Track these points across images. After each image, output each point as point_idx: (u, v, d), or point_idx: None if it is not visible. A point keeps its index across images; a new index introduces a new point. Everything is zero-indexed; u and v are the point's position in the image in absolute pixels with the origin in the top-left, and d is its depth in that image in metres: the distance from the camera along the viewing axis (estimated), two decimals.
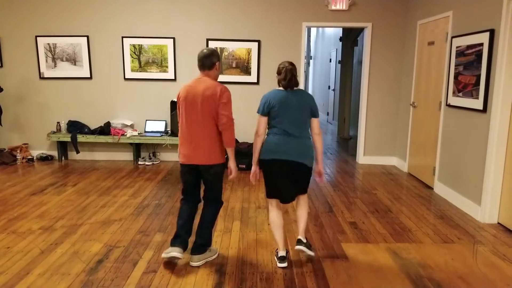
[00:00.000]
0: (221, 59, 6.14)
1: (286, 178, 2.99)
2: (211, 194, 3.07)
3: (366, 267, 2.99)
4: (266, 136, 3.04)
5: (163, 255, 2.94)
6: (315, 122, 3.04)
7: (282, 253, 3.00)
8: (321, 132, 3.10)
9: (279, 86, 3.02)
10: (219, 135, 2.95)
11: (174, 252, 2.92)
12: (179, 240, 3.01)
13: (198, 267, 2.95)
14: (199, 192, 3.14)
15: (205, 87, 2.88)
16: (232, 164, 3.03)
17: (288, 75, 2.94)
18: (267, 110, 2.98)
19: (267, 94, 3.01)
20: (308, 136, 3.04)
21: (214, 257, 3.10)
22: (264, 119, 3.01)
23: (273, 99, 2.96)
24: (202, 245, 3.02)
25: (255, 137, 3.03)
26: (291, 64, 2.99)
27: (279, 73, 3.00)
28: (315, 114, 3.03)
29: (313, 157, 3.05)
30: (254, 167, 3.08)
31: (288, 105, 2.94)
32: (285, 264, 2.98)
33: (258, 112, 3.03)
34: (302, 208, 3.13)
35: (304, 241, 3.07)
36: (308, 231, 3.63)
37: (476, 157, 4.09)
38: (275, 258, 3.07)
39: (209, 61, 2.94)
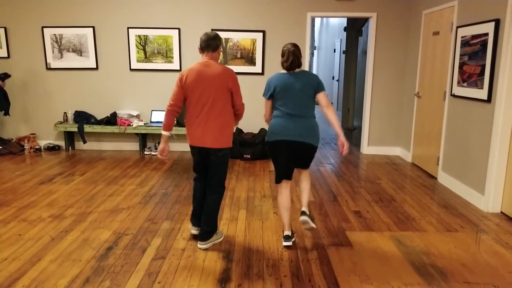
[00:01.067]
0: (226, 49, 6.16)
1: (290, 158, 3.10)
2: (216, 178, 3.12)
3: (370, 254, 3.04)
4: (273, 119, 3.11)
5: (193, 231, 3.27)
6: (321, 95, 3.03)
7: (287, 232, 3.14)
8: (329, 104, 3.04)
9: (283, 68, 3.08)
10: (229, 119, 3.04)
11: (193, 230, 3.28)
12: (197, 220, 3.24)
13: (206, 253, 3.01)
14: None
15: (216, 72, 2.94)
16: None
17: (290, 57, 2.99)
18: (270, 93, 3.05)
19: (270, 78, 3.09)
20: (313, 116, 3.09)
21: (220, 239, 3.22)
22: (269, 103, 3.11)
23: (276, 82, 3.03)
24: (209, 232, 3.11)
25: (265, 121, 3.22)
26: (294, 45, 3.01)
27: (282, 55, 3.05)
28: (318, 89, 3.03)
29: (318, 136, 3.11)
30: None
31: (291, 87, 2.99)
32: (289, 243, 3.10)
33: (263, 96, 3.13)
34: (304, 181, 3.27)
35: (308, 213, 3.15)
36: (313, 219, 3.67)
37: (480, 147, 4.12)
38: (282, 239, 3.20)
39: (214, 43, 3.00)
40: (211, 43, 2.98)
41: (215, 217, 3.16)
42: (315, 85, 3.02)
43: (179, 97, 3.00)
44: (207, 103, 2.95)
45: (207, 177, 3.16)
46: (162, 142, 3.12)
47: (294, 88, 2.99)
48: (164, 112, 6.24)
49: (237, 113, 3.15)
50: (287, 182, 3.19)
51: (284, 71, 3.06)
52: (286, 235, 3.13)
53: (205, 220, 3.11)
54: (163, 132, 3.08)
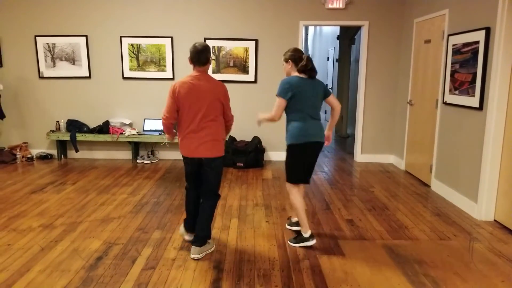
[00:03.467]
0: (219, 58, 6.17)
1: (313, 159, 3.24)
2: (210, 187, 3.17)
3: (362, 263, 3.02)
4: (292, 121, 3.17)
5: (187, 238, 3.34)
6: (332, 98, 3.28)
7: (309, 232, 3.26)
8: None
9: (300, 72, 3.14)
10: (221, 130, 3.13)
11: (187, 237, 3.35)
12: (191, 226, 3.31)
13: (197, 262, 2.98)
14: None
15: (210, 86, 3.03)
16: None
17: (310, 64, 3.12)
18: (291, 95, 3.09)
19: (289, 79, 3.12)
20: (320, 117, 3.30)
21: (212, 249, 3.21)
22: (284, 104, 3.14)
23: (298, 85, 3.10)
24: (204, 237, 3.13)
25: (271, 119, 3.16)
26: (303, 52, 3.23)
27: (299, 59, 3.16)
28: (327, 93, 3.26)
29: None
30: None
31: (311, 91, 3.14)
32: (315, 241, 3.27)
33: (280, 95, 3.12)
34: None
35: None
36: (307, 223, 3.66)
37: (472, 154, 4.13)
38: (298, 241, 3.27)
39: (204, 56, 3.03)
40: (200, 57, 3.01)
41: (210, 223, 3.19)
42: (325, 89, 3.24)
43: (173, 109, 3.05)
44: (199, 115, 3.01)
45: (202, 186, 3.20)
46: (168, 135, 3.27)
47: (312, 92, 3.15)
48: (157, 120, 6.26)
49: (228, 124, 3.24)
50: (302, 185, 3.35)
51: (301, 75, 3.15)
52: (311, 235, 3.25)
53: (201, 226, 3.14)
54: (167, 136, 3.25)
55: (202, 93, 3.00)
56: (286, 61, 3.25)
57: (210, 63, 3.14)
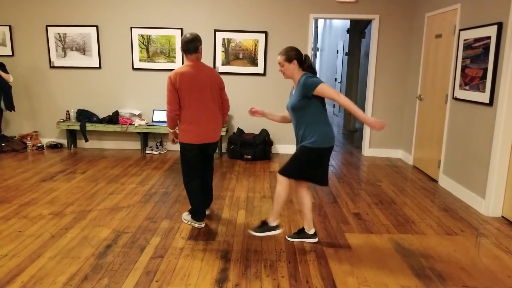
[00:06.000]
0: (228, 50, 6.17)
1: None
2: (211, 162, 3.62)
3: (369, 256, 3.04)
4: (319, 123, 2.99)
5: (200, 226, 3.46)
6: None
7: (313, 229, 3.28)
8: None
9: (305, 71, 3.05)
10: (220, 113, 3.44)
11: (201, 224, 3.48)
12: (203, 214, 3.50)
13: (204, 252, 3.02)
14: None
15: (208, 74, 3.29)
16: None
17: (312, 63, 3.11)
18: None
19: (319, 79, 2.97)
20: None
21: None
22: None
23: None
24: (212, 199, 3.77)
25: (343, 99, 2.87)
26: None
27: (305, 59, 3.05)
28: None
29: None
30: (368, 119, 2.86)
31: None
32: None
33: (322, 81, 2.94)
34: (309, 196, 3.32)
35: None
36: (312, 221, 3.68)
37: (481, 150, 4.11)
38: (303, 237, 3.28)
39: (193, 45, 3.19)
40: (189, 46, 3.18)
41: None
42: None
43: (176, 101, 3.23)
44: (203, 102, 3.26)
45: (203, 167, 3.53)
46: (171, 134, 3.46)
47: None
48: (164, 111, 6.28)
49: (225, 106, 3.50)
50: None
51: (311, 75, 3.01)
52: (315, 232, 3.28)
53: (211, 191, 3.70)
54: (169, 129, 3.42)
55: (203, 81, 3.23)
56: (290, 61, 2.99)
57: (200, 53, 3.28)
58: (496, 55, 3.86)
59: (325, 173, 3.13)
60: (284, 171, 3.07)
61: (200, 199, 3.48)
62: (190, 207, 3.55)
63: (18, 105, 6.39)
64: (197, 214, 3.47)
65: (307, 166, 3.06)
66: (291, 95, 3.17)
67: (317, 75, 3.07)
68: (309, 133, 2.99)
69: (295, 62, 3.00)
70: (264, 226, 3.18)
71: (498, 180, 3.87)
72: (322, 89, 2.89)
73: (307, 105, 2.97)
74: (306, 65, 3.05)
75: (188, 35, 3.19)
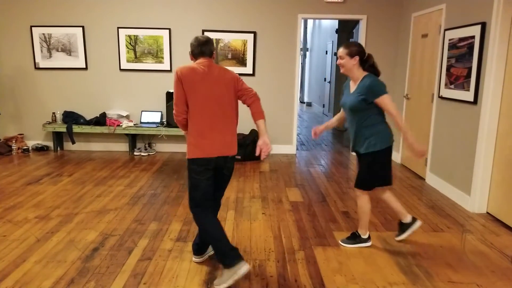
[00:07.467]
0: (217, 50, 6.16)
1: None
2: (222, 192, 2.83)
3: (357, 254, 3.06)
4: (378, 124, 2.98)
5: (244, 269, 2.46)
6: None
7: (367, 234, 3.23)
8: None
9: (366, 71, 2.98)
10: (236, 122, 2.72)
11: (245, 266, 2.48)
12: (237, 251, 2.54)
13: (192, 254, 3.00)
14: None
15: (221, 72, 2.63)
16: (266, 138, 2.64)
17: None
18: None
19: (380, 80, 2.93)
20: None
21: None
22: None
23: None
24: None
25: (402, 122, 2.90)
26: None
27: (367, 58, 2.96)
28: None
29: None
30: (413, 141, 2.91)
31: None
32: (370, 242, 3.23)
33: (387, 92, 2.95)
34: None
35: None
36: (301, 220, 3.69)
37: (466, 148, 4.16)
38: (353, 242, 3.21)
39: (208, 48, 2.66)
40: (205, 50, 2.63)
41: None
42: None
43: (182, 100, 2.59)
44: (217, 107, 2.60)
45: (216, 197, 2.80)
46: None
47: None
48: (154, 112, 6.26)
49: (250, 96, 2.67)
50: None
51: (377, 79, 3.01)
52: (369, 236, 3.24)
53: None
54: (184, 132, 2.78)
55: (219, 80, 2.60)
56: (352, 56, 2.89)
57: (214, 58, 2.77)
58: (480, 55, 3.91)
59: (391, 172, 3.12)
60: (360, 184, 3.08)
61: (224, 233, 2.58)
62: (213, 251, 2.65)
63: (3, 107, 6.30)
64: (227, 255, 2.50)
65: (380, 171, 3.03)
66: (346, 92, 3.10)
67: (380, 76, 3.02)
68: (370, 135, 2.97)
69: (356, 58, 2.91)
70: (356, 238, 3.21)
71: (483, 177, 3.92)
72: (384, 101, 2.89)
73: (368, 108, 2.94)
74: (368, 64, 2.97)
75: (201, 38, 2.63)
